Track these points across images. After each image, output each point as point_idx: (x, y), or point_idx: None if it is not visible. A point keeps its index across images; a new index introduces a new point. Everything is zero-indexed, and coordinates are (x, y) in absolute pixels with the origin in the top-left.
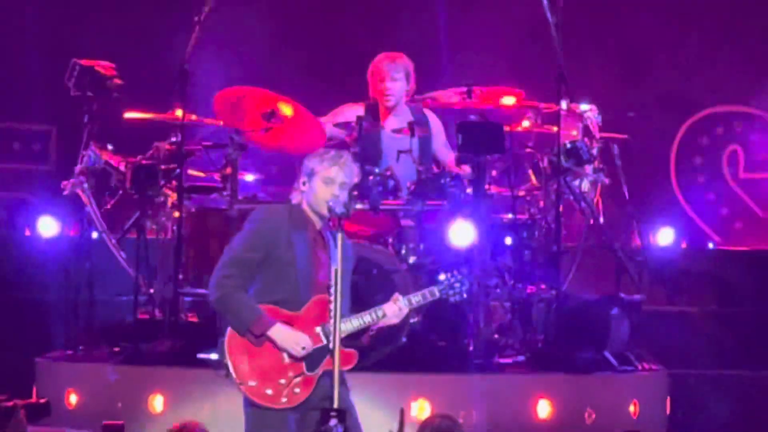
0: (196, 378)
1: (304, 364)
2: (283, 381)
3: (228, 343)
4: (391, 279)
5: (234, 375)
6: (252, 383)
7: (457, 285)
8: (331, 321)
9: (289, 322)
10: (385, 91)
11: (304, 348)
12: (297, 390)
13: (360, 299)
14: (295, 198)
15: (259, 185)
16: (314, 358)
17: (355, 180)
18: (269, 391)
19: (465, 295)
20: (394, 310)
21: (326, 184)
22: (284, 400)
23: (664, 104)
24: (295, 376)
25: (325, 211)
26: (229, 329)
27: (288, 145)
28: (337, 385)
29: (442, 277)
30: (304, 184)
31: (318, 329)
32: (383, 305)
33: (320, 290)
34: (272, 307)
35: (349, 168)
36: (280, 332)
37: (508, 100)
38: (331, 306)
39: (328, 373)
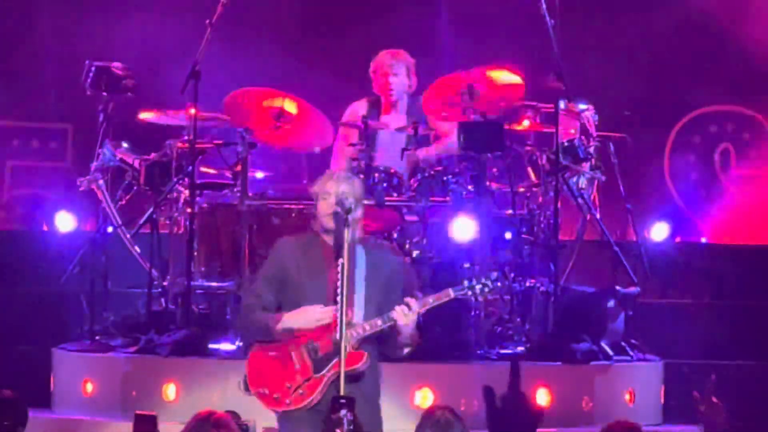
0: (207, 367)
1: (311, 368)
2: (289, 385)
3: (247, 361)
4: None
5: (249, 385)
6: (263, 390)
7: (479, 287)
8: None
9: (307, 336)
10: (388, 86)
11: (323, 312)
12: (301, 392)
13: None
14: (313, 227)
15: (268, 182)
16: (322, 362)
17: (355, 190)
18: (276, 395)
19: (480, 298)
20: (400, 313)
21: (324, 200)
22: (288, 401)
23: (658, 104)
24: (304, 380)
25: (332, 225)
26: (249, 350)
27: (296, 142)
28: (343, 381)
29: (465, 282)
30: (314, 210)
31: (330, 336)
32: (394, 309)
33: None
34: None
35: (342, 178)
36: (290, 318)
37: (524, 123)
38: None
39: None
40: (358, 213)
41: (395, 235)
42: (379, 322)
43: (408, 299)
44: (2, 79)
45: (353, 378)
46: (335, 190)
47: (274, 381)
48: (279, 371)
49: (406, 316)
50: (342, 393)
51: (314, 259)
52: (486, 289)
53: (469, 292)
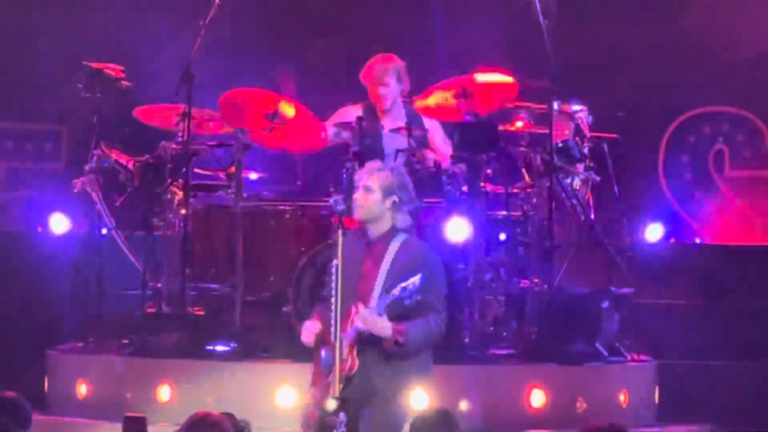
0: (201, 369)
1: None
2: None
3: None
4: None
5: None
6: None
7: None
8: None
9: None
10: (380, 97)
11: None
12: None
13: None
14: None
15: (263, 184)
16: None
17: (385, 181)
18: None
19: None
20: (358, 318)
21: (356, 191)
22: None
23: (652, 105)
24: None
25: (355, 215)
26: None
27: (290, 144)
28: (337, 383)
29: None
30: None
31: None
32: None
33: (358, 300)
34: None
35: (371, 170)
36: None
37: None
38: (354, 311)
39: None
40: (387, 204)
41: None
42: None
43: (361, 308)
44: None
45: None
46: (362, 183)
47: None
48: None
49: (362, 320)
50: (337, 388)
51: (354, 256)
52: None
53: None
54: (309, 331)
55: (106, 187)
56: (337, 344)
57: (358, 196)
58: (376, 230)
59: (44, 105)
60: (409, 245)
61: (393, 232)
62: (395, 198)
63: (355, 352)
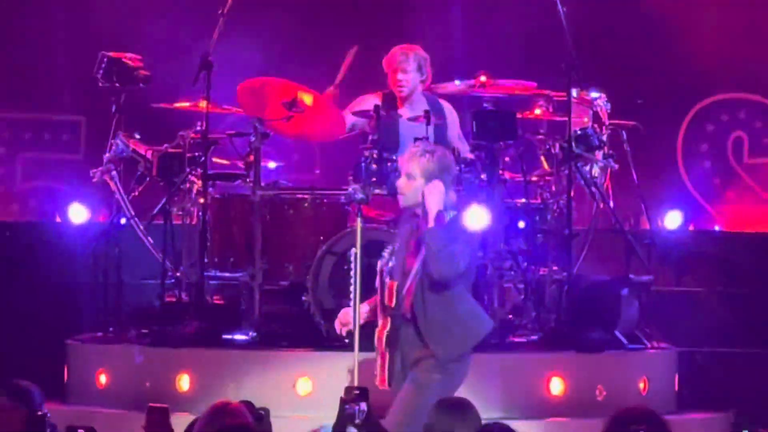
0: (220, 358)
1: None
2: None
3: None
4: None
5: None
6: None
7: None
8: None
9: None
10: (398, 83)
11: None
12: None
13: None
14: None
15: (281, 172)
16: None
17: (414, 161)
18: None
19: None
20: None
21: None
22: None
23: (671, 92)
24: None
25: (402, 203)
26: None
27: (308, 133)
28: (356, 363)
29: None
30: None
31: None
32: None
33: (406, 275)
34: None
35: (412, 155)
36: None
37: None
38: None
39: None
40: (429, 187)
41: None
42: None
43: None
44: (14, 71)
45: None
46: (404, 170)
47: None
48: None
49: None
50: (356, 374)
51: (403, 230)
52: None
53: None
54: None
55: (125, 176)
56: (356, 332)
57: (401, 183)
58: (423, 212)
59: (63, 95)
60: (458, 221)
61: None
62: (440, 181)
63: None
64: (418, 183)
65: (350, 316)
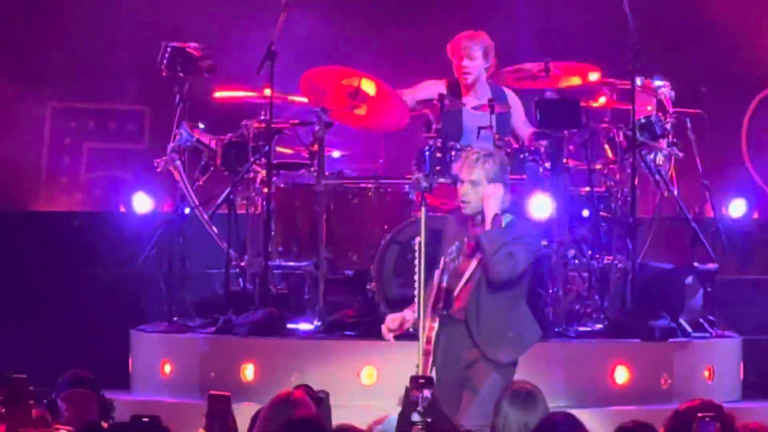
0: (285, 347)
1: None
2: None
3: None
4: None
5: None
6: None
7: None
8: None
9: None
10: (463, 69)
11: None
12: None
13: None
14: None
15: (345, 162)
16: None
17: (477, 167)
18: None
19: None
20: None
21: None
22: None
23: (735, 80)
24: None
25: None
26: None
27: (372, 123)
28: (421, 353)
29: None
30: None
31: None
32: None
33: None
34: None
35: (470, 162)
36: None
37: (592, 76)
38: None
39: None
40: (489, 189)
41: None
42: None
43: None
44: (79, 61)
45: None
46: (467, 178)
47: None
48: None
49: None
50: (420, 362)
51: (460, 231)
52: None
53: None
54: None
55: (189, 166)
56: (421, 323)
57: (466, 192)
58: (481, 215)
59: (127, 85)
60: (515, 224)
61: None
62: (501, 183)
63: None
64: (484, 189)
65: (397, 323)
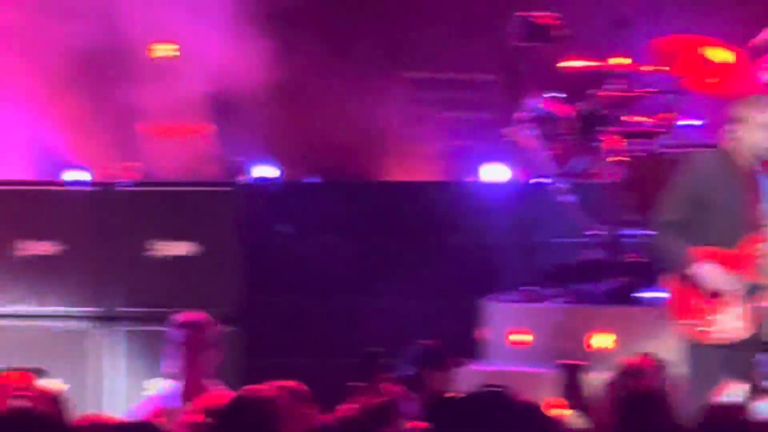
0: (638, 316)
1: (735, 301)
2: (711, 318)
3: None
4: None
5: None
6: (682, 322)
7: None
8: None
9: (723, 260)
10: None
11: (726, 283)
12: (732, 324)
13: None
14: (725, 143)
15: (700, 131)
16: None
17: None
18: (699, 328)
19: None
20: None
21: (762, 130)
22: (714, 336)
23: None
24: (726, 313)
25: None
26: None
27: (727, 91)
28: None
29: None
30: (735, 130)
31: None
32: None
33: (752, 230)
34: (708, 248)
35: None
36: (700, 270)
37: None
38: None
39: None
40: None
41: None
42: None
43: None
44: (433, 33)
45: None
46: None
47: (693, 313)
48: (697, 302)
49: None
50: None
51: (733, 185)
52: None
53: None
54: None
55: (544, 135)
56: None
57: None
58: None
59: (479, 55)
60: None
61: None
62: None
63: None
64: None
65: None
